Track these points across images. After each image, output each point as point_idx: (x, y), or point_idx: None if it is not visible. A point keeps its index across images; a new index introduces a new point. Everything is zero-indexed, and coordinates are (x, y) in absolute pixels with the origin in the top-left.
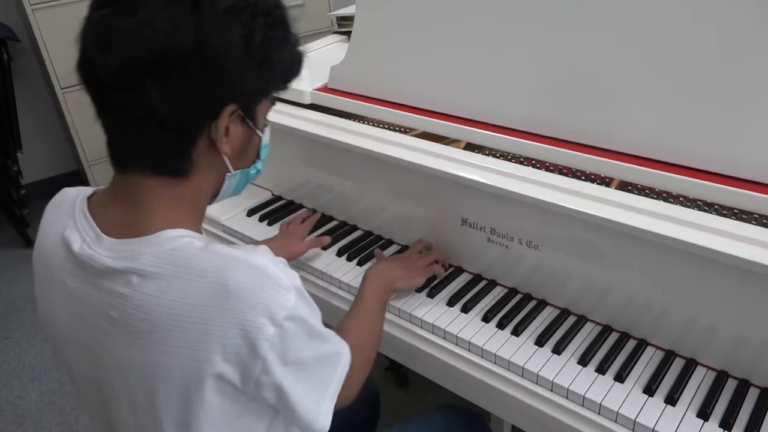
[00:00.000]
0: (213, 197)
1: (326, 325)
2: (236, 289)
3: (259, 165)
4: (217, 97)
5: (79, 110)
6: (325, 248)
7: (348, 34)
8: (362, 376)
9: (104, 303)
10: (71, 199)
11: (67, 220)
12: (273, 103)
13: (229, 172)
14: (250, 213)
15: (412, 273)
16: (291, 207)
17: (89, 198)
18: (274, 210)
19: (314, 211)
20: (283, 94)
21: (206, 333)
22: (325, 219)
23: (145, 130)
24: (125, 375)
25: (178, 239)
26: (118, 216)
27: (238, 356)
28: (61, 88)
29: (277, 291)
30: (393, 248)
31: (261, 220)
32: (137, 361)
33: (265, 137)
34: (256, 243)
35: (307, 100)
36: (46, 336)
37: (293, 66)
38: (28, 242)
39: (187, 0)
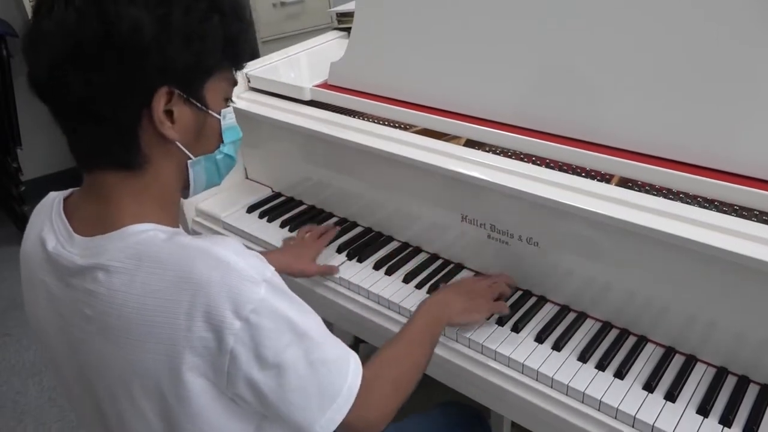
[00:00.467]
0: (186, 189)
1: (359, 341)
2: (198, 281)
3: (225, 149)
4: (142, 81)
5: None
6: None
7: (348, 30)
8: (388, 404)
9: (78, 301)
10: (50, 201)
11: (45, 221)
12: (232, 83)
13: (190, 159)
14: (250, 210)
15: (473, 307)
16: (291, 204)
17: (66, 199)
18: (274, 207)
19: (312, 215)
20: (283, 90)
21: (172, 326)
22: (325, 216)
23: (88, 126)
24: (104, 371)
25: (143, 233)
26: (89, 214)
27: (207, 349)
28: None
29: (241, 283)
30: (393, 245)
31: (261, 216)
32: (114, 356)
33: (226, 119)
34: (260, 242)
35: (307, 97)
36: (36, 336)
37: (231, 38)
38: None
39: None
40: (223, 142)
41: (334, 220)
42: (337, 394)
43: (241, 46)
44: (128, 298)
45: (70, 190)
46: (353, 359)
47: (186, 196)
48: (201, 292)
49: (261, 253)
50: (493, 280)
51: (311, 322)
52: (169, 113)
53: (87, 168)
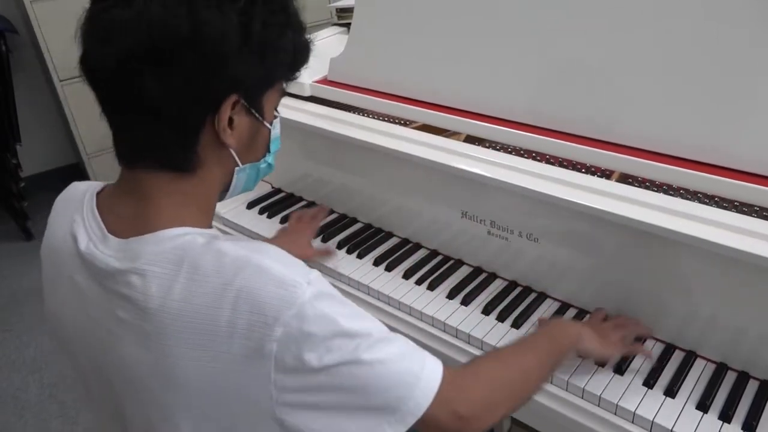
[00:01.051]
0: (223, 192)
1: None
2: (239, 288)
3: (269, 159)
4: (216, 88)
5: (79, 102)
6: (325, 241)
7: (348, 25)
8: (488, 400)
9: (111, 303)
10: (80, 193)
11: (75, 216)
12: (282, 94)
13: (238, 166)
14: (250, 206)
15: (604, 339)
16: (291, 200)
17: (98, 194)
18: (273, 203)
19: (324, 207)
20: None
21: (212, 334)
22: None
23: (147, 124)
24: (134, 375)
25: (180, 237)
26: (126, 212)
27: (248, 358)
28: (60, 80)
29: (283, 289)
30: (393, 240)
31: (261, 212)
32: (145, 361)
33: (275, 130)
34: (259, 238)
35: (307, 92)
36: (52, 332)
37: (298, 53)
38: (28, 235)
39: None
40: (269, 151)
41: (333, 216)
42: (406, 397)
43: (303, 61)
44: (166, 304)
45: (101, 184)
46: (428, 357)
47: (221, 199)
48: (242, 300)
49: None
50: (618, 323)
51: (366, 323)
52: (230, 120)
53: (129, 164)
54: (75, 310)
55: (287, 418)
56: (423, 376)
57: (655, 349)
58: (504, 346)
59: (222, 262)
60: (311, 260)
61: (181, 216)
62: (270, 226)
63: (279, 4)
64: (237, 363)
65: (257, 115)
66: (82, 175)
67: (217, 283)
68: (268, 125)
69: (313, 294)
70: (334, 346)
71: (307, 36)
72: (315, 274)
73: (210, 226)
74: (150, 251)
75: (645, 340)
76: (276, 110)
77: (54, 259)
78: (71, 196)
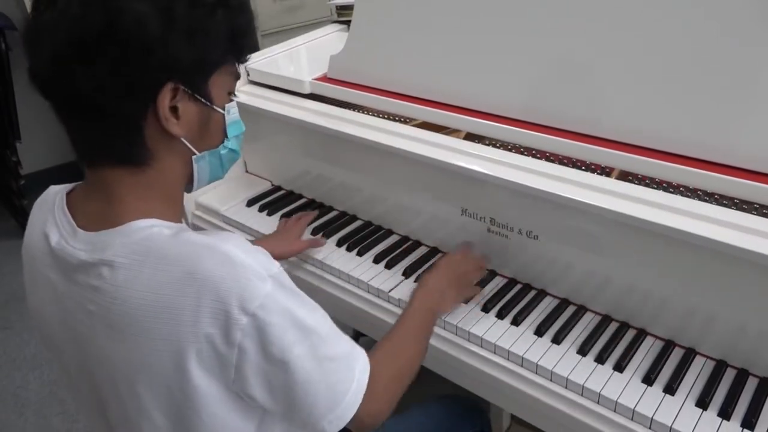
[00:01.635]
0: (189, 184)
1: (359, 334)
2: (204, 277)
3: (229, 144)
4: (146, 77)
5: None
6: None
7: (348, 23)
8: (391, 396)
9: (82, 297)
10: (52, 195)
11: (48, 216)
12: (236, 77)
13: (195, 154)
14: (250, 203)
15: (463, 294)
16: (291, 197)
17: (68, 193)
18: (273, 200)
19: (312, 209)
20: (283, 84)
21: (178, 322)
22: (325, 209)
23: (91, 121)
24: (108, 367)
25: (148, 229)
26: (93, 210)
27: (213, 345)
28: None
29: (248, 279)
30: (393, 238)
31: (261, 210)
32: (117, 353)
33: (231, 114)
34: (259, 236)
35: (307, 90)
36: (38, 331)
37: (238, 33)
38: None
39: None
40: (227, 136)
41: (333, 213)
42: (346, 392)
43: (246, 40)
44: (132, 294)
45: (72, 185)
46: (362, 356)
47: (189, 190)
48: (207, 289)
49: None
50: (478, 262)
51: (318, 318)
52: (173, 109)
53: (89, 164)
54: (52, 307)
55: (244, 389)
56: (355, 376)
57: (654, 346)
58: (393, 333)
59: (186, 251)
60: (300, 251)
61: (146, 209)
62: (270, 223)
63: None
64: (202, 351)
65: (204, 100)
66: (81, 172)
67: (181, 272)
68: (219, 110)
69: (278, 286)
70: (292, 339)
71: (248, 14)
72: (277, 266)
73: (179, 220)
74: (118, 243)
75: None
76: (234, 94)
77: (31, 259)
78: (46, 198)
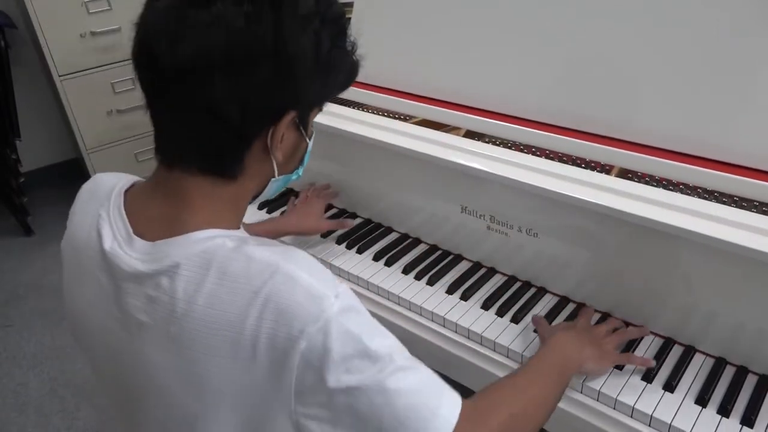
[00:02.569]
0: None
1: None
2: (267, 296)
3: (300, 171)
4: (282, 103)
5: (78, 97)
6: (324, 236)
7: (347, 21)
8: None
9: (133, 306)
10: (107, 188)
11: (101, 211)
12: (321, 110)
13: (274, 177)
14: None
15: (603, 353)
16: (290, 195)
17: (126, 191)
18: (273, 199)
19: (334, 216)
20: None
21: (237, 341)
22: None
23: (203, 127)
24: (156, 377)
25: (210, 240)
26: (156, 212)
27: (271, 366)
28: (60, 76)
29: (310, 300)
30: (392, 236)
31: (260, 207)
32: (168, 365)
33: (311, 144)
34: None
35: None
36: (71, 329)
37: (351, 75)
38: (28, 231)
39: (266, 0)
40: (302, 164)
41: (333, 211)
42: (420, 430)
43: (352, 83)
44: (191, 308)
45: (130, 181)
46: (446, 391)
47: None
48: (268, 309)
49: (271, 218)
50: (611, 328)
51: (387, 343)
52: (281, 135)
53: (169, 165)
54: (96, 308)
55: (303, 423)
56: (440, 413)
57: (653, 343)
58: (515, 374)
59: (251, 267)
60: (323, 231)
61: (214, 220)
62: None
63: (340, 25)
64: (259, 371)
65: (303, 131)
66: (81, 170)
67: (245, 290)
68: (308, 141)
69: (340, 308)
70: (355, 367)
71: (356, 55)
72: (343, 287)
73: (239, 227)
74: (178, 253)
75: (639, 341)
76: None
77: (77, 255)
78: (96, 190)
